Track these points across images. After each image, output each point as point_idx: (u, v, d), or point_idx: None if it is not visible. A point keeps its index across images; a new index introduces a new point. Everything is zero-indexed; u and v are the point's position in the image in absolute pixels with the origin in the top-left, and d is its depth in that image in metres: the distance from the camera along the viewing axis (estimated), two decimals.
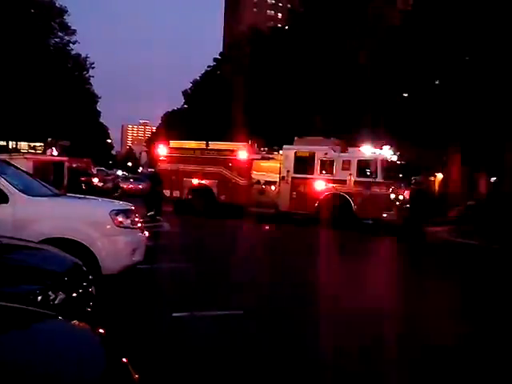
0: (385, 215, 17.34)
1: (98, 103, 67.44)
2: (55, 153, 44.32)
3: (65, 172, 17.94)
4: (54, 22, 42.80)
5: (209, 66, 56.75)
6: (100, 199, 7.83)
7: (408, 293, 8.29)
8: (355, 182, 17.69)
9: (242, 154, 19.60)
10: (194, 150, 20.41)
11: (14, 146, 54.95)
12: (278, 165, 19.28)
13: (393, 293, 8.20)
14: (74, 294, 4.01)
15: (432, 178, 37.68)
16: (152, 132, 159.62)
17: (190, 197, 19.86)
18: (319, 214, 17.70)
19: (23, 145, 61.73)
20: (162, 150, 20.94)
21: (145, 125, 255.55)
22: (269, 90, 37.14)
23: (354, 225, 17.19)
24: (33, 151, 57.41)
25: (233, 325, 5.86)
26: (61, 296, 3.81)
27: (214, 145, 20.44)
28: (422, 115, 25.74)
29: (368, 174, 17.60)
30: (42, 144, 58.82)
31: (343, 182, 17.85)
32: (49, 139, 52.20)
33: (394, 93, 28.48)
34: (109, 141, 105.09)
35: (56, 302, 3.73)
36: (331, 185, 18.04)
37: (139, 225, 7.04)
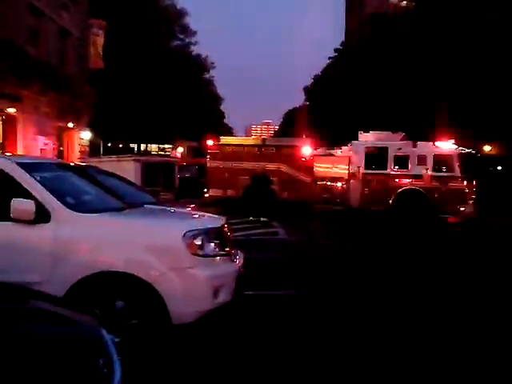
0: (462, 209, 17.22)
1: (222, 104, 68.28)
2: (179, 154, 45.18)
3: (175, 173, 16.90)
4: (175, 25, 43.42)
5: (329, 58, 54.09)
6: (179, 214, 5.98)
7: None
8: (432, 176, 17.52)
9: (305, 150, 18.90)
10: (249, 146, 19.49)
11: (144, 149, 57.76)
12: (344, 161, 18.83)
13: None
14: None
15: None
16: (274, 131, 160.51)
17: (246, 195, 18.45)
18: (394, 209, 17.61)
19: (154, 147, 64.96)
20: (212, 147, 19.63)
21: (268, 124, 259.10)
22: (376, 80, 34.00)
23: (432, 220, 16.62)
24: (162, 153, 60.02)
25: None
26: None
27: (272, 141, 20.12)
28: None
29: (444, 168, 17.55)
30: (170, 146, 61.42)
31: (419, 176, 17.65)
32: (177, 141, 53.91)
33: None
34: None
35: None
36: (407, 180, 17.78)
37: (228, 249, 5.04)
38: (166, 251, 4.50)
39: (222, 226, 5.18)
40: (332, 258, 10.23)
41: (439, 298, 7.10)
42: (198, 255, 4.56)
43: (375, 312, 6.29)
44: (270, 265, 8.86)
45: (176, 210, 6.33)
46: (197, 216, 5.53)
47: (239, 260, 5.27)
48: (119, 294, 4.36)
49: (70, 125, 24.89)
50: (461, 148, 18.45)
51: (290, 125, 70.21)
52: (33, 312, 2.85)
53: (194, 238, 4.57)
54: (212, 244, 4.73)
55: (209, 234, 4.79)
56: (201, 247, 4.60)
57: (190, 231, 4.59)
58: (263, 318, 5.92)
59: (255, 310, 6.08)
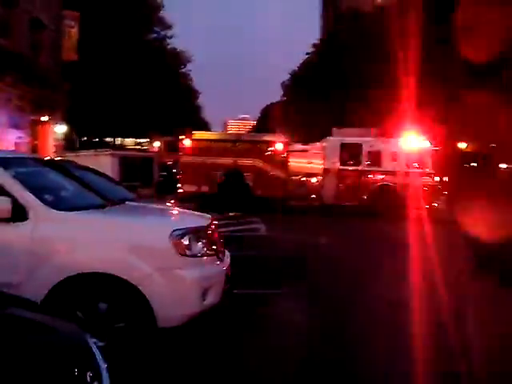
0: (435, 205, 17.45)
1: (199, 98, 67.69)
2: (156, 149, 44.51)
3: (154, 168, 16.58)
4: (151, 18, 42.74)
5: (307, 54, 54.07)
6: (164, 211, 5.75)
7: None
8: (404, 172, 17.72)
9: (280, 145, 18.81)
10: (223, 141, 19.38)
11: (119, 143, 56.75)
12: (318, 156, 18.84)
13: None
14: None
15: None
16: (252, 126, 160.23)
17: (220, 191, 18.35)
18: (368, 205, 17.77)
19: (129, 141, 63.84)
20: (185, 142, 19.17)
21: (245, 120, 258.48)
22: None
23: (404, 216, 16.38)
24: (138, 147, 59.08)
25: None
26: None
27: (247, 136, 20.46)
28: None
29: (416, 164, 17.71)
30: (147, 140, 60.38)
31: (392, 173, 17.90)
32: (153, 135, 53.07)
33: None
34: None
35: None
36: (380, 176, 18.04)
37: (215, 247, 4.83)
38: (152, 251, 4.28)
39: (210, 224, 4.98)
40: (314, 254, 10.11)
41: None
42: (186, 255, 4.35)
43: (358, 306, 6.18)
44: (253, 262, 8.67)
45: (160, 207, 6.10)
46: (183, 214, 5.31)
47: (227, 260, 5.08)
48: (102, 296, 4.13)
49: (44, 118, 24.21)
50: (433, 144, 18.74)
51: (267, 120, 70.13)
52: (4, 318, 2.59)
53: (182, 238, 4.36)
54: (200, 243, 4.53)
55: (196, 233, 4.58)
56: (188, 247, 4.39)
57: (177, 230, 4.38)
58: (250, 317, 5.75)
59: (241, 309, 5.90)
